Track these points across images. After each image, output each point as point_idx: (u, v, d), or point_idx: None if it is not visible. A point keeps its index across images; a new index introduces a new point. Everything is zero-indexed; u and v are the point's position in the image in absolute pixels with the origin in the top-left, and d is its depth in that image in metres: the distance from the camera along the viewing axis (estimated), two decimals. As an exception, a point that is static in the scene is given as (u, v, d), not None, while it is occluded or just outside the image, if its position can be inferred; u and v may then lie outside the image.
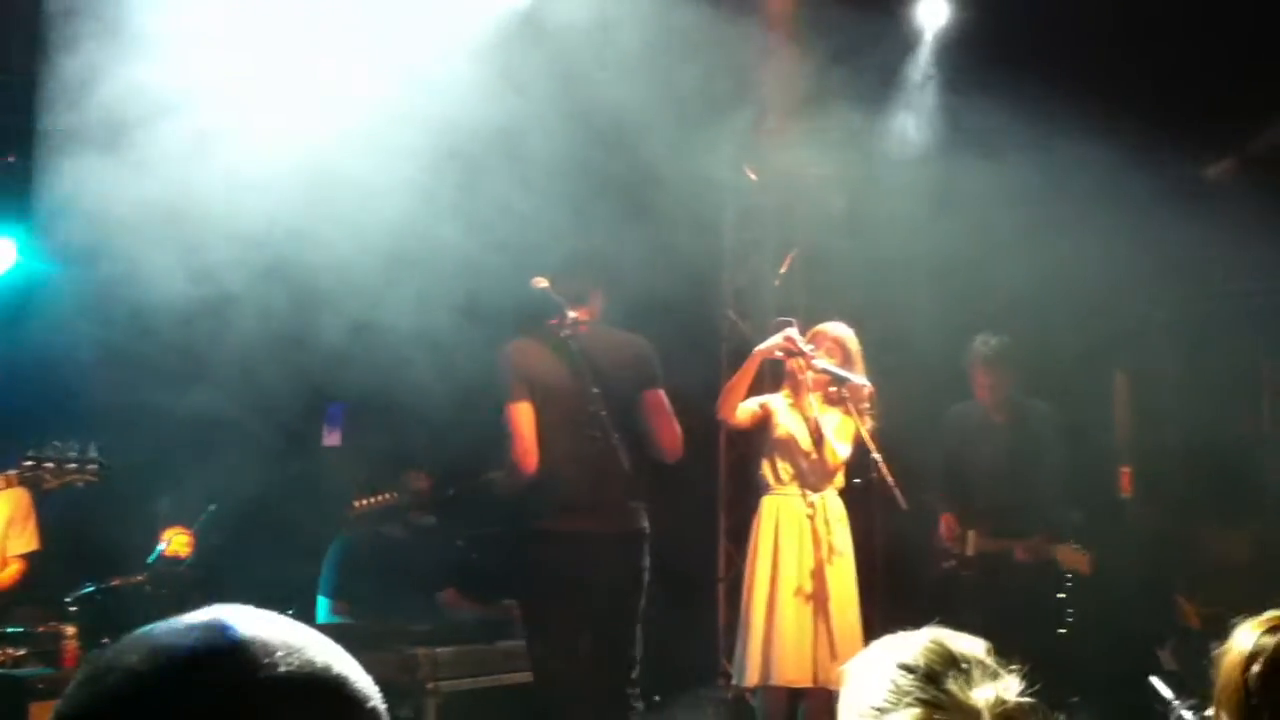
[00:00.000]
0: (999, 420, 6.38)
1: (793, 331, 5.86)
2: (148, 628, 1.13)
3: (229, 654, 1.10)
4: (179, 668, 1.08)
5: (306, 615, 6.24)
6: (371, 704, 1.18)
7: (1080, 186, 7.91)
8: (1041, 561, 6.13)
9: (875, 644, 1.92)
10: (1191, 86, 7.45)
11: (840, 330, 5.96)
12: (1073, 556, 5.94)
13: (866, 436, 5.65)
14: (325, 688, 1.14)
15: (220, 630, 1.12)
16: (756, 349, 5.94)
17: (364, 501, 5.27)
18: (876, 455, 5.65)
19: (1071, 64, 7.43)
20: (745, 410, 5.90)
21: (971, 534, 6.23)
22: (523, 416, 5.04)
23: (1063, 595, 7.12)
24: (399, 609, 5.84)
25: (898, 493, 5.63)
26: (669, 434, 5.38)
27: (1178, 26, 7.40)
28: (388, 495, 5.30)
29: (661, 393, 5.40)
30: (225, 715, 1.07)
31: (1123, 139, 7.25)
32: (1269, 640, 2.45)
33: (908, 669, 1.80)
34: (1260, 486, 9.11)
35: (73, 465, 5.10)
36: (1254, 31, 7.40)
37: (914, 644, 1.85)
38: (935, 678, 1.78)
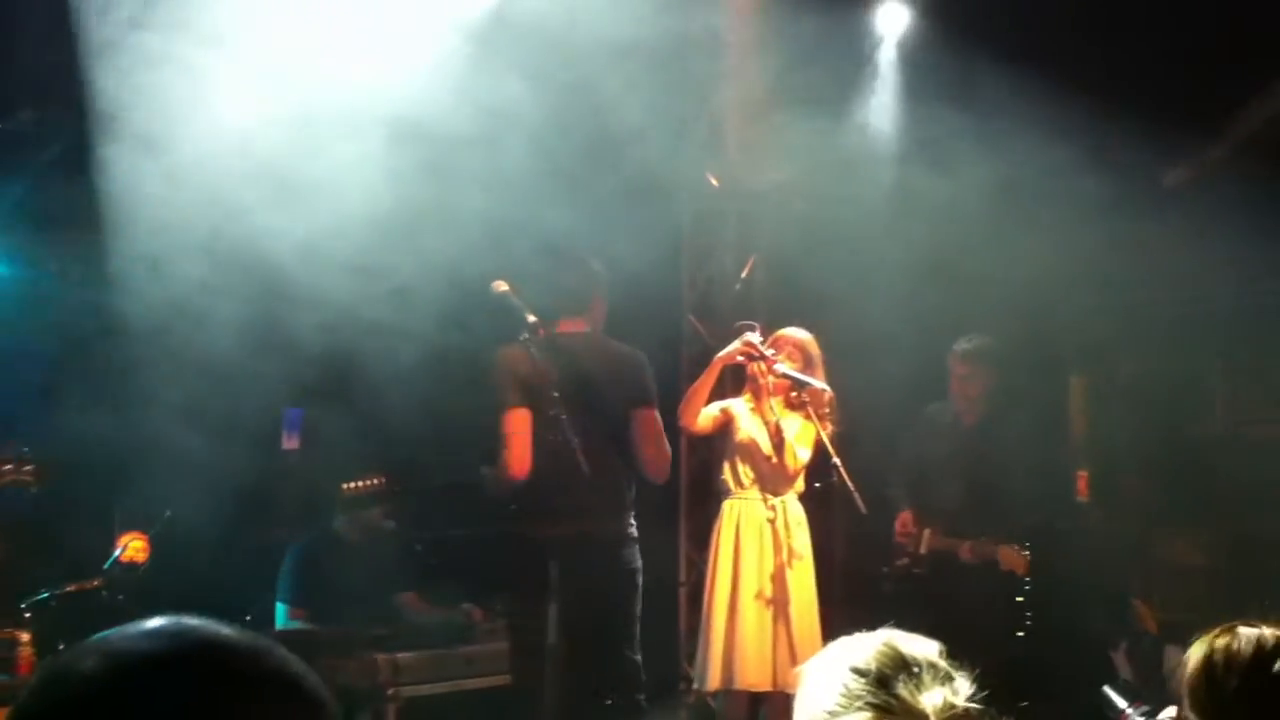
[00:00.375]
0: (969, 422, 6.41)
1: (754, 336, 5.88)
2: (103, 634, 1.12)
3: (186, 660, 1.10)
4: (136, 673, 1.08)
5: (264, 621, 6.20)
6: (328, 707, 1.19)
7: (1038, 191, 7.97)
8: (985, 562, 6.15)
9: (830, 647, 1.93)
10: (1150, 92, 7.52)
11: (801, 335, 5.99)
12: (1013, 557, 5.98)
13: (827, 441, 5.68)
14: (283, 692, 1.14)
15: (177, 636, 1.12)
16: (717, 355, 5.96)
17: (353, 485, 5.22)
18: (836, 460, 5.67)
19: (1030, 69, 7.48)
20: (706, 416, 5.91)
21: (927, 532, 6.26)
22: (518, 422, 5.04)
23: (1020, 599, 7.17)
24: (358, 614, 5.81)
25: (857, 497, 5.65)
26: (654, 456, 5.43)
27: (1137, 31, 7.47)
28: (376, 481, 5.25)
29: (652, 413, 5.44)
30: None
31: (1080, 144, 7.32)
32: (1234, 641, 2.49)
33: (859, 672, 1.81)
34: (1215, 490, 9.20)
35: (8, 466, 5.05)
36: (1211, 39, 7.48)
37: (867, 647, 1.86)
38: (886, 681, 1.79)
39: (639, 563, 5.36)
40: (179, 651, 1.10)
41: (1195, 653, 2.54)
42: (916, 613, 6.12)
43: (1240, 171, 7.76)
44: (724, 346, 6.24)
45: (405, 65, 6.14)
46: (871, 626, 2.04)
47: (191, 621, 1.14)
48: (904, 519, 6.35)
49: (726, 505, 5.91)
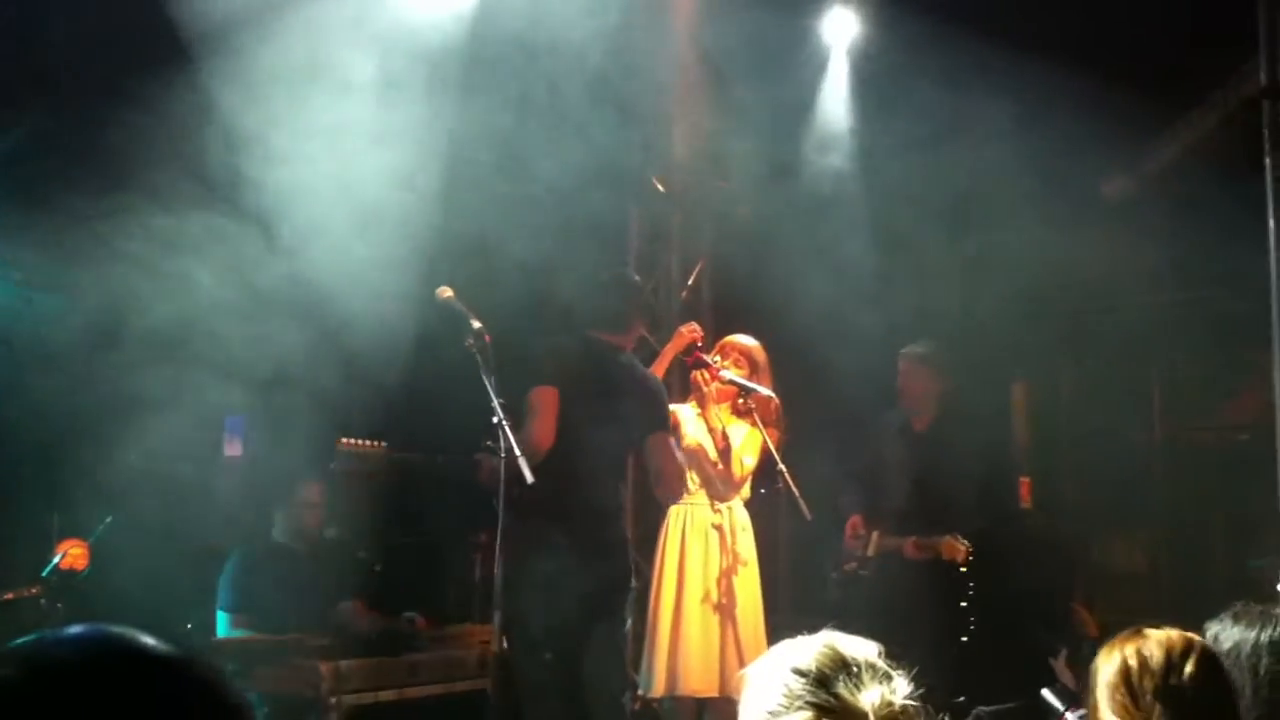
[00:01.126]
0: (918, 429, 6.44)
1: (696, 327, 5.97)
2: (25, 640, 1.12)
3: (107, 670, 1.09)
4: (56, 683, 1.07)
5: (206, 629, 6.13)
6: (250, 717, 1.19)
7: (983, 199, 8.05)
8: (929, 557, 6.18)
9: (773, 649, 1.95)
10: (1092, 104, 7.62)
11: (748, 341, 6.01)
12: (953, 547, 6.02)
13: (773, 447, 5.69)
14: (205, 703, 1.13)
15: (100, 645, 1.11)
16: (664, 349, 6.01)
17: (350, 441, 5.07)
18: (782, 466, 5.69)
19: (975, 79, 7.56)
20: None
21: (875, 534, 6.29)
22: (549, 397, 5.06)
23: (965, 603, 7.22)
24: (300, 622, 5.76)
25: (802, 503, 5.67)
26: (673, 475, 5.54)
27: (1078, 44, 7.56)
28: (377, 444, 5.13)
29: (669, 438, 5.55)
30: None
31: (1024, 154, 7.40)
32: (1144, 645, 2.55)
33: (800, 673, 1.84)
34: (1154, 496, 9.32)
35: None
36: (1152, 52, 7.59)
37: (808, 648, 1.88)
38: (826, 681, 1.81)
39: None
40: (100, 661, 1.09)
41: (1107, 658, 2.60)
42: (863, 616, 6.18)
43: (1179, 182, 7.87)
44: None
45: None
46: (818, 631, 2.05)
47: (115, 630, 1.13)
48: (854, 522, 6.39)
49: (673, 511, 5.92)
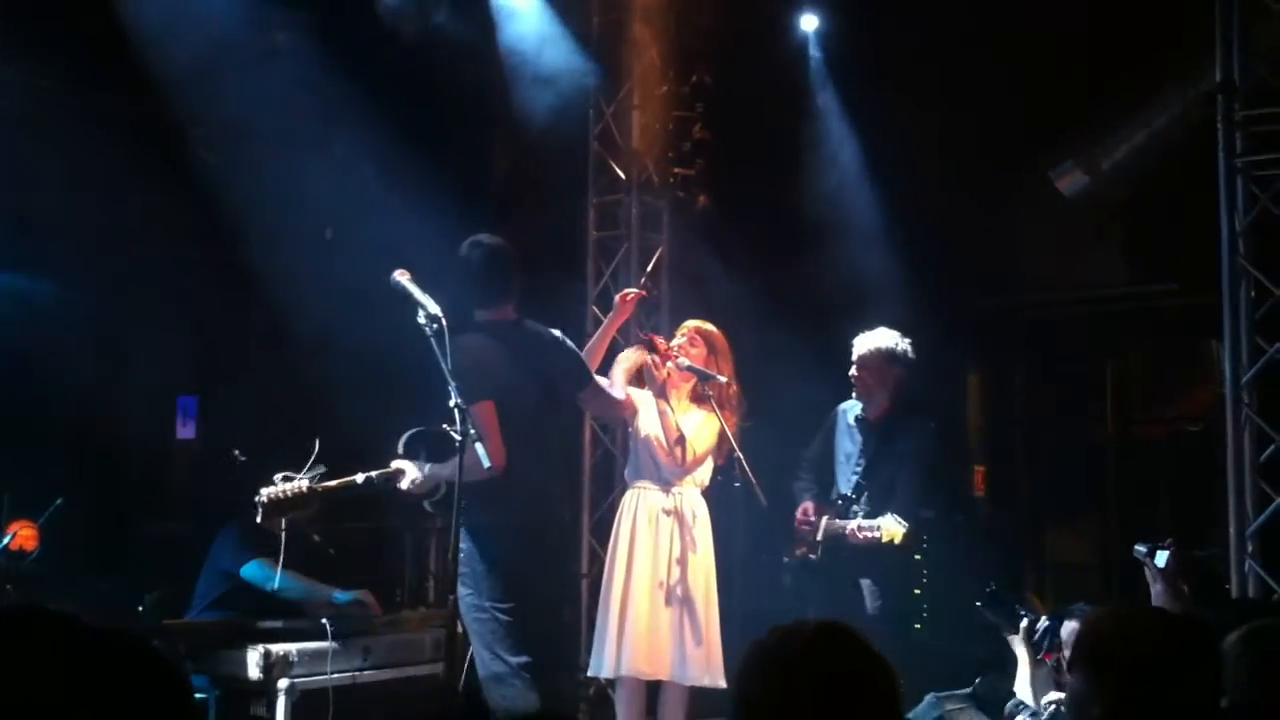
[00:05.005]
0: (870, 418, 6.46)
1: (631, 294, 5.95)
2: None
3: (37, 644, 1.11)
4: None
5: (158, 613, 6.09)
6: (186, 688, 1.20)
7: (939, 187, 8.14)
8: (874, 543, 6.22)
9: None
10: (1046, 96, 7.71)
11: (707, 327, 5.99)
12: (891, 527, 6.05)
13: (730, 434, 5.70)
14: (144, 673, 1.14)
15: (30, 620, 1.13)
16: (610, 318, 5.95)
17: (270, 492, 5.03)
18: (739, 453, 5.69)
19: (929, 69, 7.65)
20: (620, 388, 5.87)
21: (824, 519, 6.31)
22: (490, 414, 4.99)
23: (918, 591, 7.27)
24: (251, 603, 5.72)
25: (758, 489, 5.68)
26: (615, 405, 5.72)
27: (1032, 35, 7.63)
28: (297, 487, 5.07)
29: (596, 382, 5.57)
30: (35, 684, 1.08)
31: (978, 144, 7.50)
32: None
33: None
34: (1104, 486, 9.43)
35: None
36: (1106, 45, 7.67)
37: None
38: None
39: None
40: (26, 638, 1.10)
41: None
42: (815, 601, 6.21)
43: (1132, 175, 7.95)
44: (628, 341, 6.26)
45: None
46: (773, 618, 2.06)
47: (45, 607, 1.15)
48: (805, 508, 6.40)
49: (627, 495, 5.92)
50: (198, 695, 5.48)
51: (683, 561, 5.75)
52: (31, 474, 6.25)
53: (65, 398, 6.66)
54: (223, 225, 6.90)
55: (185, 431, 7.31)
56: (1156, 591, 4.61)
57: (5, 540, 5.83)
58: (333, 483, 5.04)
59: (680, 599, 5.72)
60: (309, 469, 5.00)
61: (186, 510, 6.76)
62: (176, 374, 6.81)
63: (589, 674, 5.95)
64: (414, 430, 5.11)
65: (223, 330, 7.37)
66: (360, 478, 5.03)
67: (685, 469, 5.81)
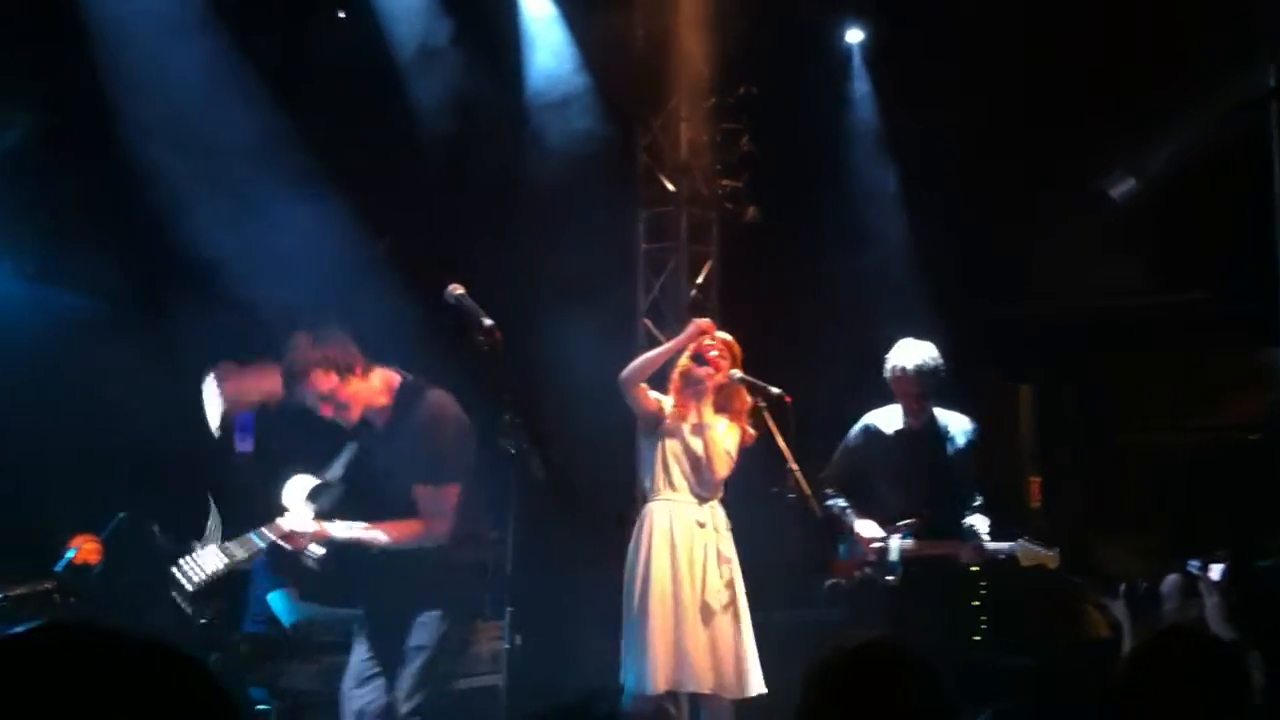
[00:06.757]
0: (917, 426, 6.42)
1: (705, 323, 5.92)
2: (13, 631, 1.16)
3: (84, 662, 1.13)
4: (25, 677, 1.12)
5: (219, 626, 6.18)
6: (238, 710, 1.22)
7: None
8: (990, 561, 6.16)
9: None
10: (1093, 103, 7.67)
11: (729, 338, 5.96)
12: (1034, 554, 5.94)
13: (783, 446, 5.71)
14: (189, 693, 1.17)
15: (77, 630, 1.16)
16: (675, 340, 5.95)
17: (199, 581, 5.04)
18: (793, 466, 5.71)
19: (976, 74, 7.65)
20: (650, 394, 5.87)
21: (894, 539, 6.24)
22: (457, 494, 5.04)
23: (977, 603, 7.23)
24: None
25: (812, 502, 5.70)
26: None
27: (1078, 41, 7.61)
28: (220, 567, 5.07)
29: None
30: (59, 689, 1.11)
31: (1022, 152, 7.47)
32: None
33: None
34: (1158, 496, 9.34)
35: None
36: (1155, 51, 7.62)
37: None
38: None
39: None
40: (74, 656, 1.14)
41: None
42: (877, 618, 6.12)
43: (1180, 180, 7.90)
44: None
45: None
46: (820, 630, 2.09)
47: (93, 625, 1.17)
48: (867, 526, 6.32)
49: (655, 507, 5.85)
50: (258, 707, 5.58)
51: (721, 574, 5.76)
52: (94, 489, 6.36)
53: (127, 413, 6.76)
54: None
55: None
56: (1211, 604, 4.59)
57: (69, 555, 5.93)
58: (241, 554, 4.98)
59: (723, 611, 5.72)
60: (209, 536, 4.98)
61: (245, 523, 6.84)
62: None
63: (630, 690, 5.78)
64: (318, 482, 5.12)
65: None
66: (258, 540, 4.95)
67: (719, 481, 5.83)
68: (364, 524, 4.93)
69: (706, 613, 5.71)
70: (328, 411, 4.99)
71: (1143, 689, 2.46)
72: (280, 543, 4.89)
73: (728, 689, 5.73)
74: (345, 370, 4.94)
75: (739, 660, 5.72)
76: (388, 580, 5.01)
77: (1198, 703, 2.41)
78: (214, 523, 4.94)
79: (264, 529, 4.90)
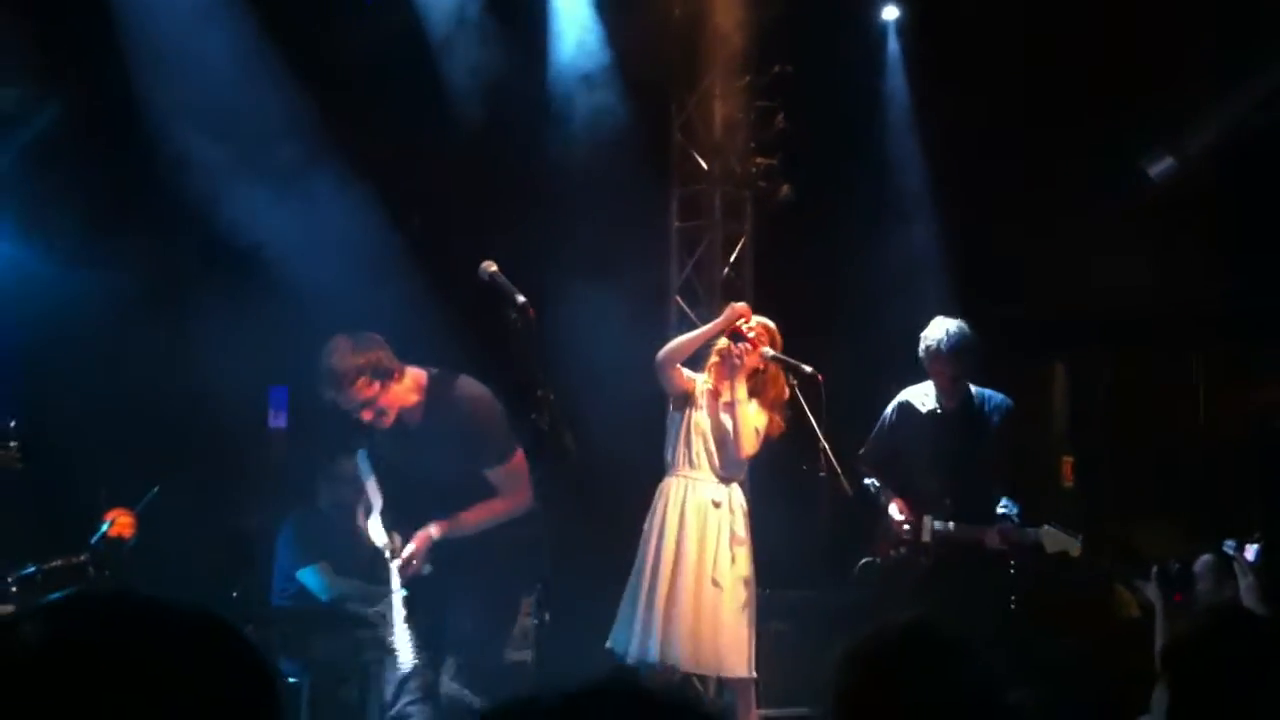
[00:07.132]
0: (951, 406, 6.39)
1: (742, 307, 5.89)
2: (56, 597, 1.20)
3: (131, 634, 1.15)
4: (78, 645, 1.14)
5: (250, 598, 6.23)
6: (276, 682, 1.22)
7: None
8: (1016, 546, 6.14)
9: None
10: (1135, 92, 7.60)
11: (768, 322, 5.94)
12: (1058, 539, 5.92)
13: (814, 424, 5.70)
14: (231, 666, 1.18)
15: (126, 608, 1.17)
16: (713, 324, 5.93)
17: None
18: (825, 444, 5.69)
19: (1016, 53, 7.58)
20: (683, 372, 5.86)
21: (927, 520, 6.22)
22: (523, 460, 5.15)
23: (1006, 584, 7.20)
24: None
25: (844, 481, 5.69)
26: None
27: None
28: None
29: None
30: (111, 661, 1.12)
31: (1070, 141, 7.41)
32: None
33: None
34: (1193, 481, 9.27)
35: None
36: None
37: None
38: None
39: None
40: (122, 627, 1.15)
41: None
42: (913, 598, 6.08)
43: (1218, 162, 7.83)
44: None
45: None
46: (852, 610, 2.08)
47: (140, 596, 1.19)
48: (900, 507, 6.30)
49: (673, 483, 5.83)
50: (290, 680, 5.63)
51: (730, 554, 5.74)
52: (129, 463, 6.41)
53: (161, 388, 6.82)
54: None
55: (277, 421, 7.44)
56: (1246, 585, 4.56)
57: (104, 528, 5.98)
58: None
59: (724, 591, 5.69)
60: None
61: (278, 498, 6.90)
62: (269, 363, 6.94)
63: (628, 655, 5.74)
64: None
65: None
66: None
67: (742, 461, 5.81)
68: (446, 521, 5.11)
69: (705, 591, 5.67)
70: (367, 417, 5.07)
71: (1195, 669, 2.45)
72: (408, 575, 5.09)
73: (705, 666, 5.72)
74: (386, 377, 5.01)
75: (723, 639, 5.65)
76: (469, 559, 5.16)
77: (1254, 682, 2.40)
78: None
79: (393, 566, 5.11)
